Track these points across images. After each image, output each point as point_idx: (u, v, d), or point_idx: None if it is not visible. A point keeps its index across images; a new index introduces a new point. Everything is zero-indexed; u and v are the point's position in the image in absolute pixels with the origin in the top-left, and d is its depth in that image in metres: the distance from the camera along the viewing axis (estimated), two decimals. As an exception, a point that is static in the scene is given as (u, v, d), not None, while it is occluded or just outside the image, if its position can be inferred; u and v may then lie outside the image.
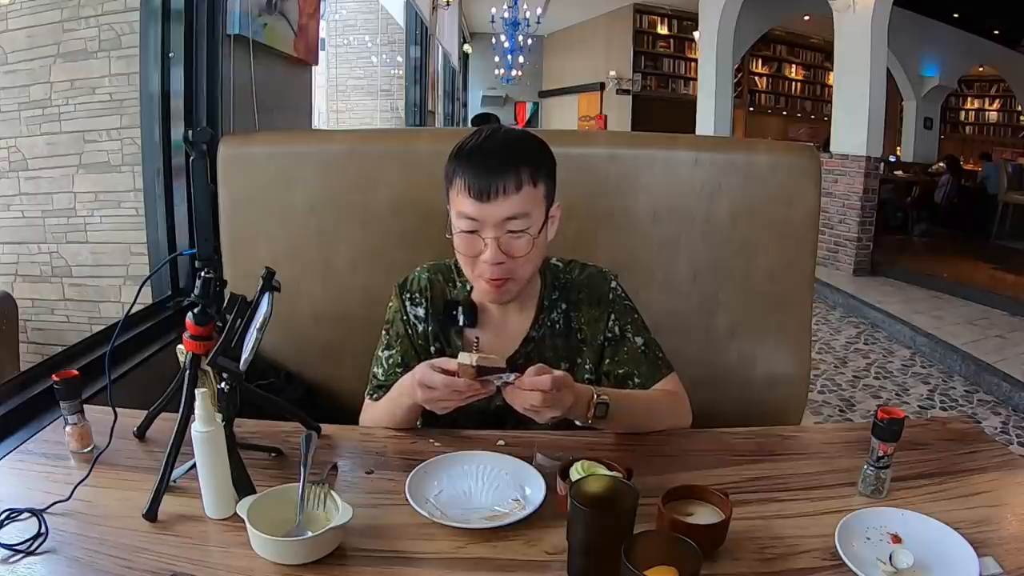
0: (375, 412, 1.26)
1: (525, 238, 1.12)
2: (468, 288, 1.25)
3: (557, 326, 1.26)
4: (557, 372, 1.03)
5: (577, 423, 1.15)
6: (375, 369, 1.30)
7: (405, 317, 1.28)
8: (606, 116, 13.42)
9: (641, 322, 1.28)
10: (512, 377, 1.02)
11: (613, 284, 1.28)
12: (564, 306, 1.27)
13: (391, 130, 5.84)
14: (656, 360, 1.26)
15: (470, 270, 1.17)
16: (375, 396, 1.28)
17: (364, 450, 1.14)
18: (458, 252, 1.17)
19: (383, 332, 1.31)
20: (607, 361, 1.26)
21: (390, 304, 1.30)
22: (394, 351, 1.28)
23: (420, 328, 1.28)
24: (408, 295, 1.28)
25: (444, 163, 1.14)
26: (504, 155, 1.11)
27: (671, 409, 1.24)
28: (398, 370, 1.26)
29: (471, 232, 1.12)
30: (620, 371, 1.25)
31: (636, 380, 1.24)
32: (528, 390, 1.01)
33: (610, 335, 1.26)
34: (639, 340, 1.26)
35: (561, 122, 15.45)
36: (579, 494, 0.83)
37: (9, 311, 2.18)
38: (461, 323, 1.24)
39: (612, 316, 1.26)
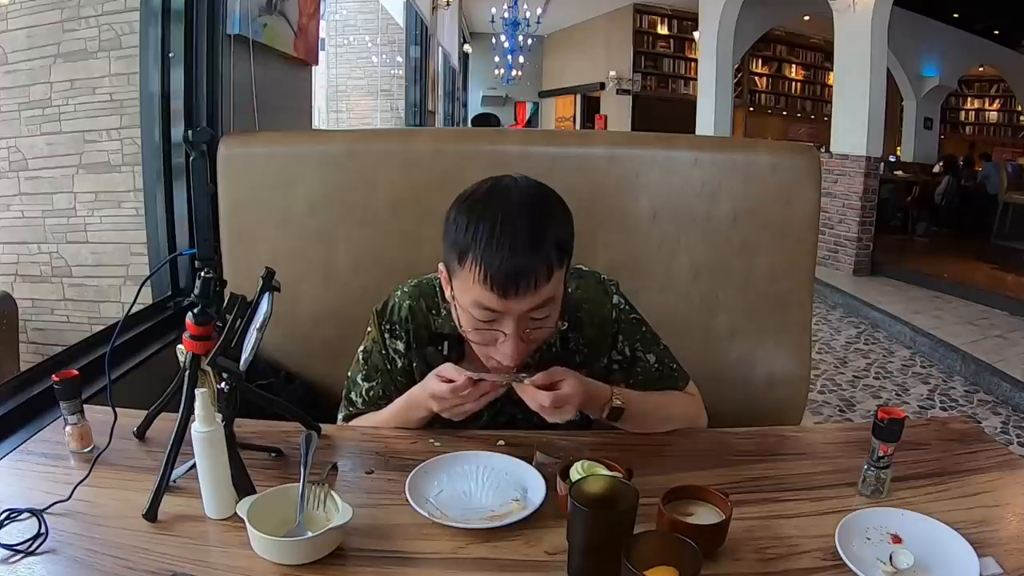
0: (365, 423, 1.22)
1: (549, 325, 1.02)
2: None
3: (553, 348, 1.18)
4: (565, 385, 1.03)
5: (592, 416, 1.14)
6: (352, 396, 1.23)
7: (384, 351, 1.20)
8: (606, 116, 13.42)
9: (650, 334, 1.23)
10: (523, 377, 1.04)
11: (616, 300, 1.21)
12: (561, 326, 1.18)
13: (391, 130, 5.85)
14: (671, 373, 1.23)
15: (482, 354, 1.06)
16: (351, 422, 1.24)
17: (364, 450, 1.14)
18: (468, 337, 1.05)
19: (360, 357, 1.23)
20: (621, 385, 1.20)
21: (368, 330, 1.22)
22: (374, 383, 1.21)
23: (400, 363, 1.20)
24: (388, 326, 1.19)
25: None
26: (533, 240, 0.94)
27: (687, 410, 1.23)
28: (380, 403, 1.22)
29: (487, 322, 0.99)
30: None
31: None
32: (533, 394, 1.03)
33: (620, 357, 1.21)
34: (651, 358, 1.22)
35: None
36: (579, 494, 0.82)
37: (9, 311, 2.18)
38: (447, 357, 1.15)
39: (620, 337, 1.20)
